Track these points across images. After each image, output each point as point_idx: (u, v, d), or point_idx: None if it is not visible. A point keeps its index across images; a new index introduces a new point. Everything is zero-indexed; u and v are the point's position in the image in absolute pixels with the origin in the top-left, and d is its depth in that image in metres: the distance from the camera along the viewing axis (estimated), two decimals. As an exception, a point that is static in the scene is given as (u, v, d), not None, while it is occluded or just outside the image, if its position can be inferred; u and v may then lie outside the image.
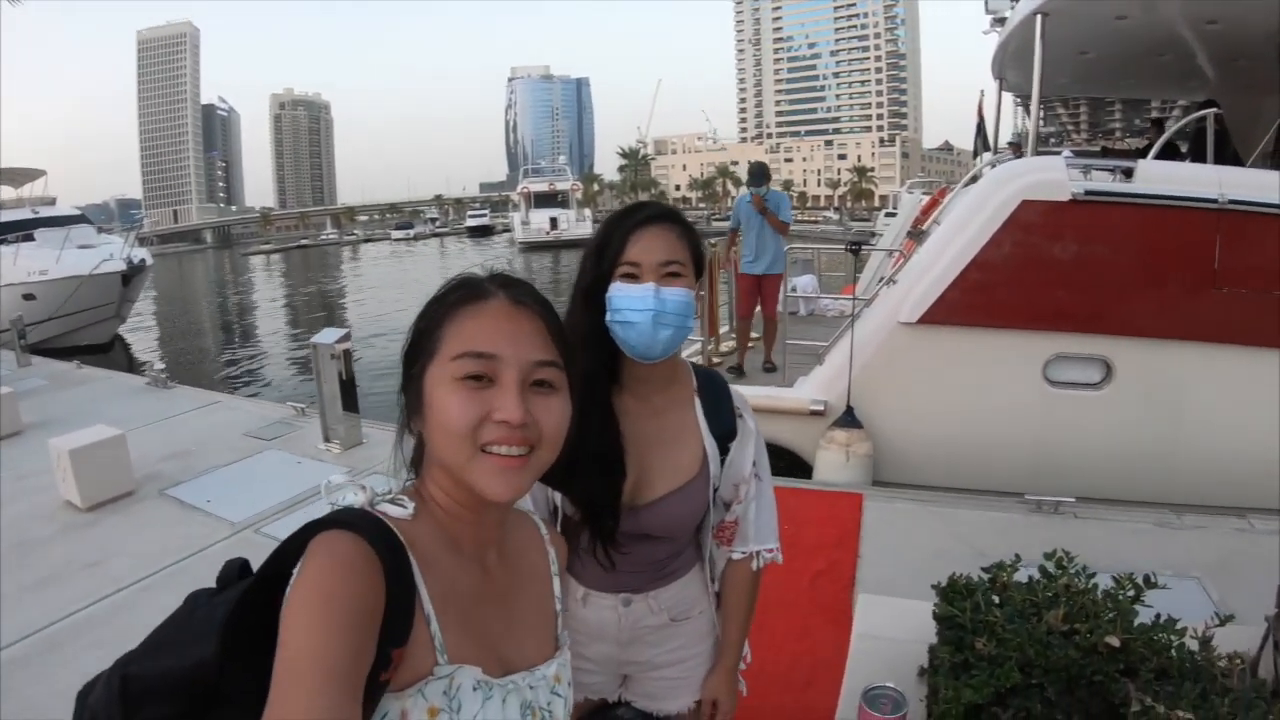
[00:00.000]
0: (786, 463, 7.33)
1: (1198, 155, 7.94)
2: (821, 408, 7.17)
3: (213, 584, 1.20)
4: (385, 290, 41.99)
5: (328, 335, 7.70)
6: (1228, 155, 8.09)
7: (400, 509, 1.12)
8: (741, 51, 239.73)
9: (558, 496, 1.95)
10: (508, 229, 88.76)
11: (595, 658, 2.13)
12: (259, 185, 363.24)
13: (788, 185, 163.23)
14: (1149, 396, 6.72)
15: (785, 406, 7.33)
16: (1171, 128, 8.66)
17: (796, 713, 3.48)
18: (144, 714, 1.08)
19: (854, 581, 4.85)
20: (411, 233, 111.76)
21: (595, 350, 1.87)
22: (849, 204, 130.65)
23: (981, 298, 6.78)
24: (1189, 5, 8.14)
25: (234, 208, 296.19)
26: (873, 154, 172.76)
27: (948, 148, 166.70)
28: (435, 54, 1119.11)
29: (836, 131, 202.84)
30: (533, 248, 62.73)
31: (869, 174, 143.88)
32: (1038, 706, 1.96)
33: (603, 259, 1.84)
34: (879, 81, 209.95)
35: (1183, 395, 6.61)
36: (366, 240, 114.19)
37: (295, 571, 0.98)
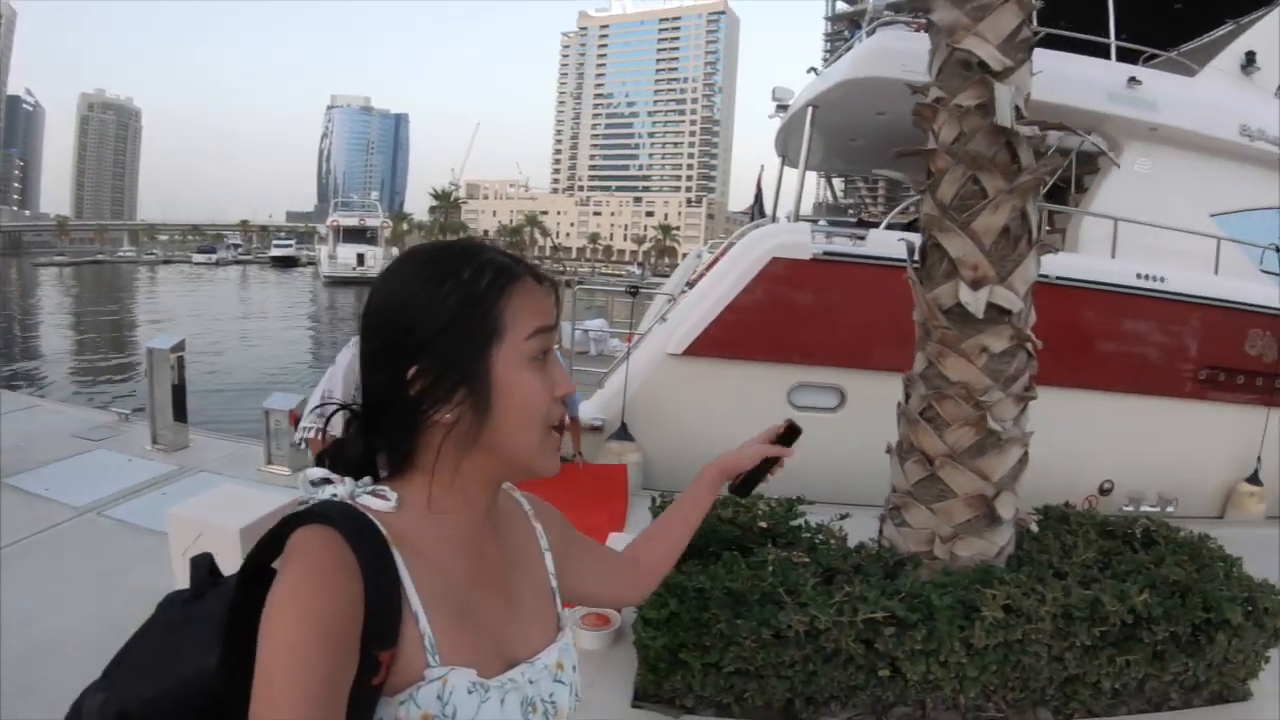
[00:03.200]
0: (569, 471, 8.34)
1: None
2: (600, 424, 8.17)
3: (62, 559, 1.50)
4: (182, 317, 40.73)
5: (164, 341, 8.07)
6: None
7: (383, 501, 1.07)
8: (562, 103, 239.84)
9: None
10: (313, 261, 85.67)
11: None
12: (56, 190, 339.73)
13: (594, 238, 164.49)
14: (876, 418, 7.99)
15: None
16: (898, 207, 10.16)
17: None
18: None
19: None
20: (214, 258, 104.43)
21: None
22: (652, 260, 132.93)
23: (736, 334, 7.94)
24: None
25: (27, 212, 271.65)
26: (679, 213, 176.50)
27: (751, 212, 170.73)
28: (255, 71, 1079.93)
29: (647, 189, 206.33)
30: (338, 283, 61.18)
31: (673, 232, 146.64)
32: (743, 566, 3.08)
33: None
34: (692, 144, 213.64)
35: (904, 417, 7.87)
36: (166, 261, 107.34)
37: (277, 570, 0.97)
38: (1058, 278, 8.26)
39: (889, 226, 8.90)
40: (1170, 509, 8.70)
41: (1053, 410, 8.51)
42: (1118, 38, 10.07)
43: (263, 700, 0.87)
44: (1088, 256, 9.03)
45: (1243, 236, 9.74)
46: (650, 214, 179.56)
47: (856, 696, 2.92)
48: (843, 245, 8.06)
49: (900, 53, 8.89)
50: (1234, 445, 9.48)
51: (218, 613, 1.07)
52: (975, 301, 3.36)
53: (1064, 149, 9.86)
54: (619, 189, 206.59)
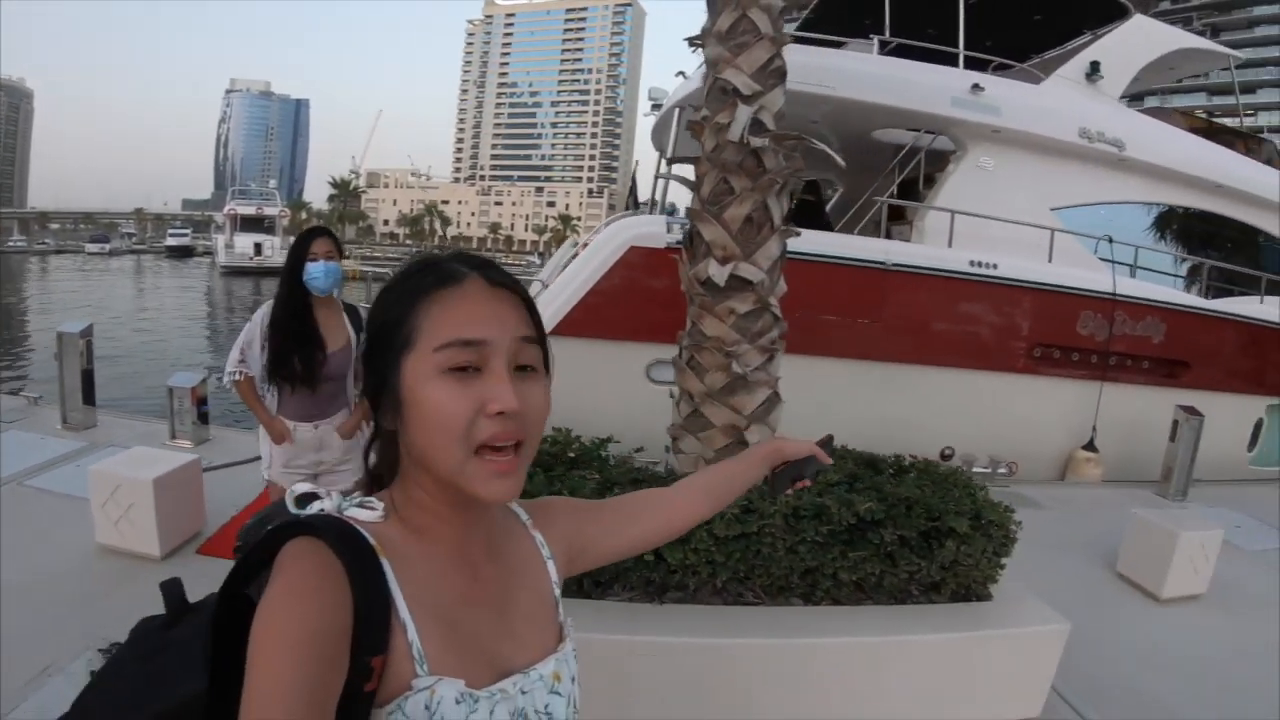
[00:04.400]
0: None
1: (814, 222, 10.47)
2: None
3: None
4: (76, 307, 40.01)
5: (73, 325, 8.48)
6: (820, 222, 10.71)
7: (370, 511, 1.10)
8: (465, 92, 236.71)
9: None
10: (209, 251, 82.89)
11: (304, 464, 4.21)
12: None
13: (495, 228, 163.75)
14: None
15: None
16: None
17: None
18: None
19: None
20: (107, 247, 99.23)
21: (294, 292, 4.12)
22: (553, 250, 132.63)
23: (598, 316, 8.61)
24: (807, 105, 10.45)
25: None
26: (581, 204, 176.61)
27: (653, 202, 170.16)
28: (151, 53, 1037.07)
29: (549, 179, 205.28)
30: (234, 273, 60.00)
31: (574, 223, 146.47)
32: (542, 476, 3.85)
33: (300, 254, 4.12)
34: (594, 135, 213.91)
35: (744, 388, 8.53)
36: (58, 251, 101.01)
37: (268, 583, 0.98)
38: (894, 265, 9.18)
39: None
40: (1002, 471, 9.59)
41: (896, 383, 9.43)
42: (982, 50, 10.99)
43: (252, 709, 0.88)
44: (928, 246, 9.90)
45: (1084, 229, 10.74)
46: (552, 204, 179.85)
47: (630, 578, 3.67)
48: None
49: (758, 61, 9.77)
50: (1071, 416, 10.47)
51: (194, 639, 1.10)
52: (720, 274, 4.28)
53: (915, 148, 10.80)
54: (521, 179, 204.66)
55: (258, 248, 61.41)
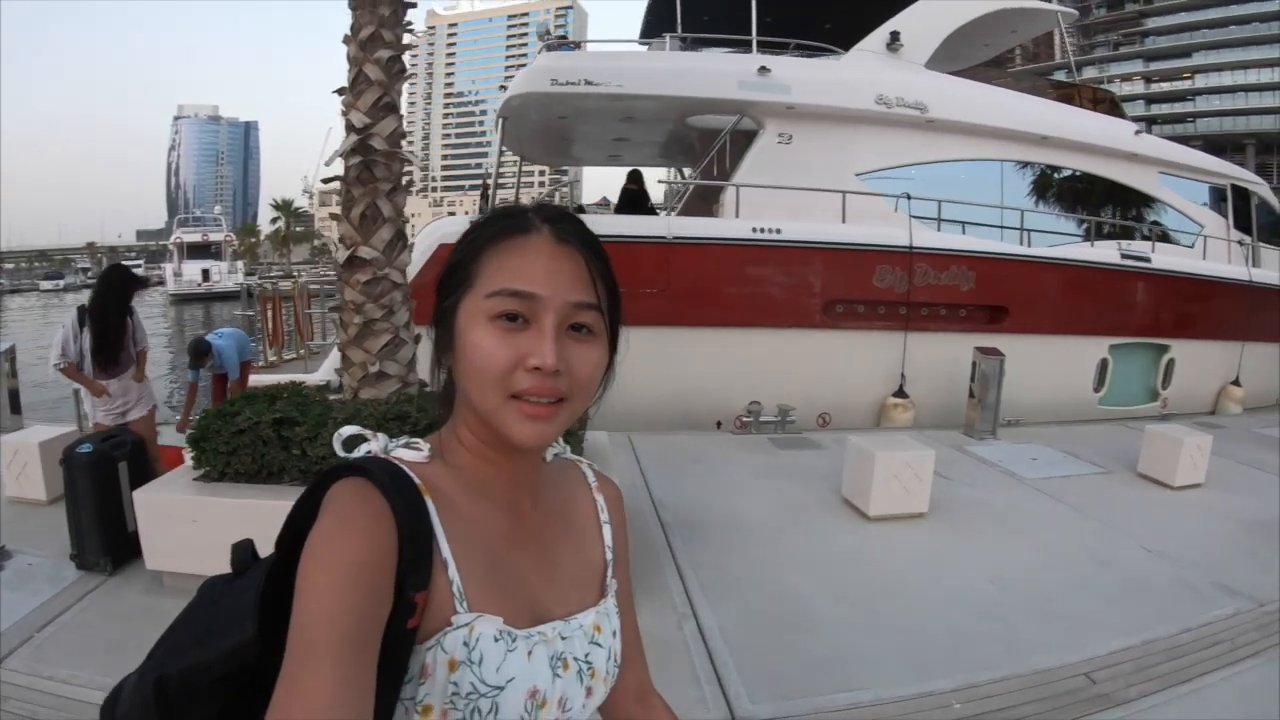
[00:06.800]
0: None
1: (638, 208, 11.72)
2: (327, 381, 9.57)
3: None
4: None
5: None
6: (643, 208, 11.88)
7: (415, 452, 1.12)
8: (413, 104, 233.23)
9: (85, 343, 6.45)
10: (162, 280, 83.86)
11: (115, 406, 6.50)
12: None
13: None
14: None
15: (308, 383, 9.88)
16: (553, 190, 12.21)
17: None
18: (185, 717, 1.09)
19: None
20: (61, 283, 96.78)
21: (121, 308, 6.71)
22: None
23: (420, 306, 9.74)
24: (608, 103, 11.62)
25: None
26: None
27: (605, 203, 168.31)
28: (98, 86, 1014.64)
29: (500, 186, 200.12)
30: (184, 299, 60.89)
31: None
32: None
33: (130, 292, 6.74)
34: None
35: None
36: (14, 291, 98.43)
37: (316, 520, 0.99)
38: (675, 238, 10.31)
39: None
40: (792, 419, 10.50)
41: (696, 346, 10.47)
42: (822, 38, 12.27)
43: (298, 638, 0.90)
44: (722, 220, 11.03)
45: (899, 191, 11.68)
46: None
47: (291, 470, 5.07)
48: None
49: (551, 70, 11.07)
50: (880, 366, 11.31)
51: (255, 586, 1.11)
52: (340, 255, 5.78)
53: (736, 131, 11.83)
54: (472, 187, 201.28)
55: (205, 274, 61.77)
